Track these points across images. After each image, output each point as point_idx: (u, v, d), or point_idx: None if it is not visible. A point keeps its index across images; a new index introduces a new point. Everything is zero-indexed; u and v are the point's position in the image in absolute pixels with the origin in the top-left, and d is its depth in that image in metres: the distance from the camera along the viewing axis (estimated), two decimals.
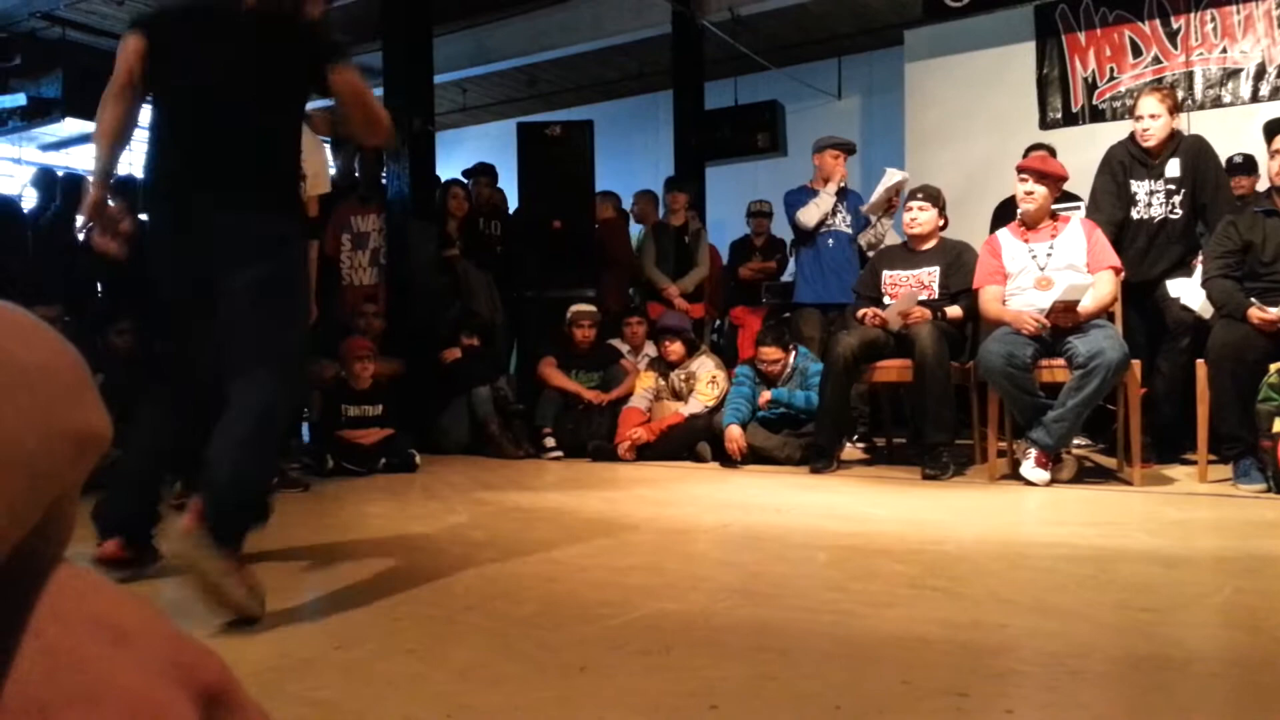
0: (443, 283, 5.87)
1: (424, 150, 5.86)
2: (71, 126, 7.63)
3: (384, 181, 5.84)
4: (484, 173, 6.61)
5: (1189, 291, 4.12)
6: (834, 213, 5.40)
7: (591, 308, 5.58)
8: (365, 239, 5.68)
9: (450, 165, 7.88)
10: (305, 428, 4.93)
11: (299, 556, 2.62)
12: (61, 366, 0.34)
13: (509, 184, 6.75)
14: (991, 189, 5.71)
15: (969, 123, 6.89)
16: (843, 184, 5.43)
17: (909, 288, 4.32)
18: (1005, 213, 4.94)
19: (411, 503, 3.66)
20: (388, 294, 5.61)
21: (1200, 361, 3.71)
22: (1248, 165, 5.16)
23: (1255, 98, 6.02)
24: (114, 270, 5.78)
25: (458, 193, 6.11)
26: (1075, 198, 4.76)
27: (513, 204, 6.79)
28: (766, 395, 4.66)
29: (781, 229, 6.36)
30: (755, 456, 4.58)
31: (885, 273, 4.48)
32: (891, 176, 5.31)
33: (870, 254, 5.31)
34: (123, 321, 4.87)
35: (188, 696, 0.31)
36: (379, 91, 6.50)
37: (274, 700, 1.32)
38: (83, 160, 8.96)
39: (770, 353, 4.70)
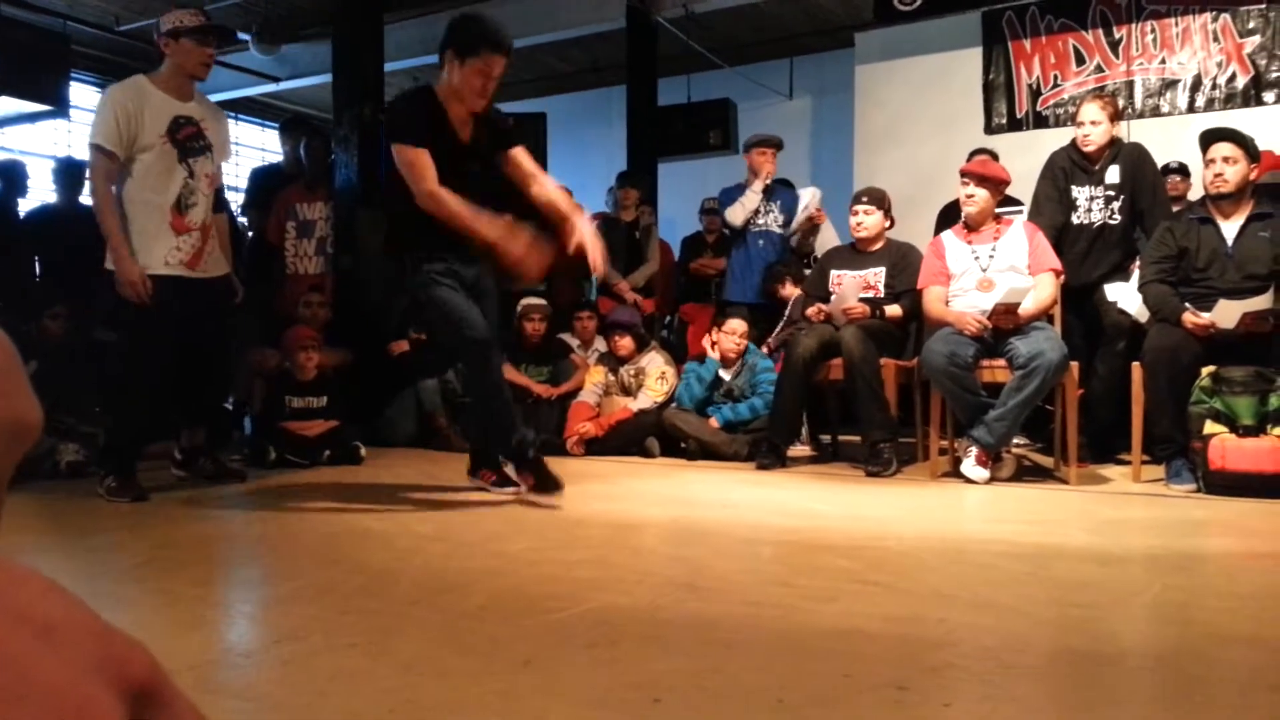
0: (390, 273, 5.79)
1: (373, 138, 5.78)
2: (7, 105, 7.38)
3: (331, 169, 5.76)
4: None
5: (1126, 295, 4.24)
6: (764, 212, 5.44)
7: (541, 301, 5.56)
8: (311, 227, 5.59)
9: None
10: (247, 419, 4.84)
11: (238, 549, 2.57)
12: None
13: None
14: (937, 191, 5.80)
15: (916, 125, 6.99)
16: (768, 180, 5.46)
17: (854, 281, 4.38)
18: (950, 215, 5.03)
19: (356, 496, 3.61)
20: (334, 284, 5.53)
21: (1136, 364, 3.81)
22: (1182, 170, 5.33)
23: (1192, 108, 6.20)
24: (52, 254, 5.64)
25: None
26: (1017, 202, 4.86)
27: None
28: (714, 422, 4.69)
29: None
30: (703, 452, 4.60)
31: (833, 272, 4.54)
32: (803, 196, 5.43)
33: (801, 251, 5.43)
34: (57, 306, 4.74)
35: (115, 692, 0.31)
36: (327, 78, 6.41)
37: (210, 695, 1.30)
38: (18, 141, 8.69)
39: (738, 325, 4.74)
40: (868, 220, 4.46)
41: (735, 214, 5.40)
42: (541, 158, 6.56)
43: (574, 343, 5.66)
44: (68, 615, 0.31)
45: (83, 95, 9.35)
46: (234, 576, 2.19)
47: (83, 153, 4.63)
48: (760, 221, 5.43)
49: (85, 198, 6.18)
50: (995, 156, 5.15)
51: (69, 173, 5.73)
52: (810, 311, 4.43)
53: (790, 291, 5.19)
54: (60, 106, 7.57)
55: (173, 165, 3.49)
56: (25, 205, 5.98)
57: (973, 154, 5.30)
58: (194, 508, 3.27)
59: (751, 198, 5.37)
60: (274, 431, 4.47)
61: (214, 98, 9.53)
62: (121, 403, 3.66)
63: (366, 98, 5.76)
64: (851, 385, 4.08)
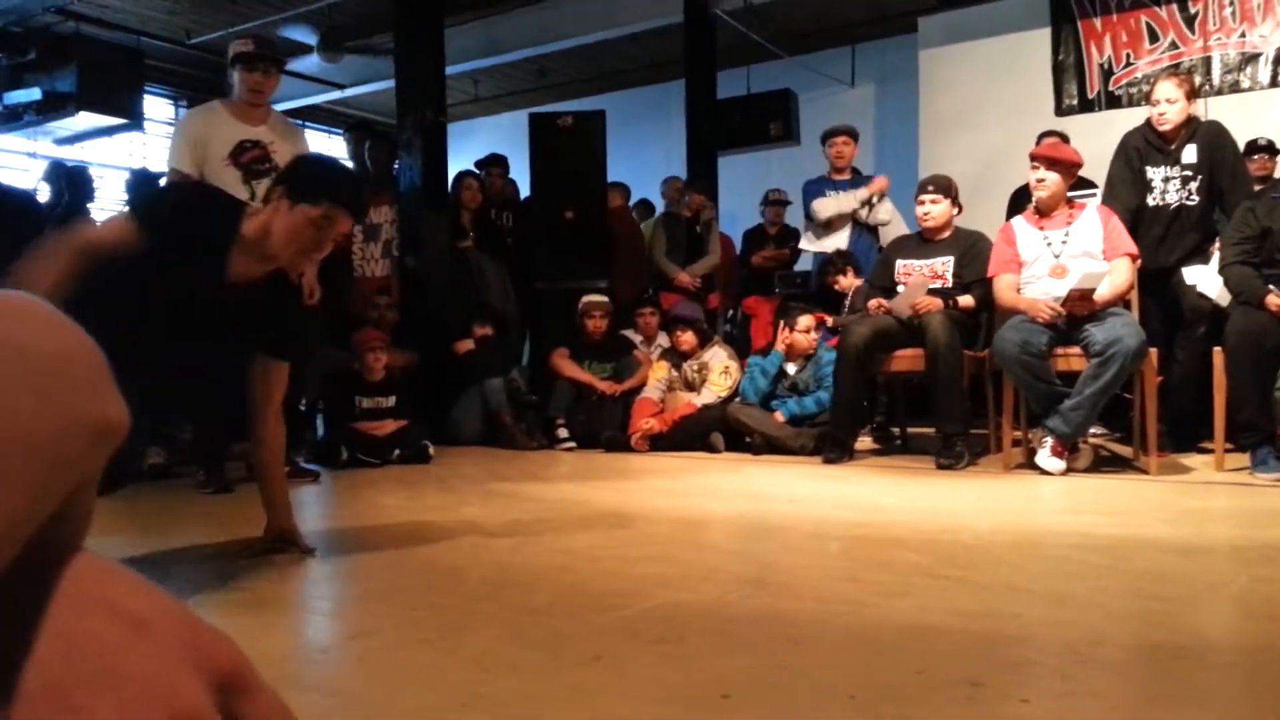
0: (456, 274, 5.88)
1: (436, 142, 5.86)
2: (85, 120, 7.66)
3: (395, 173, 5.86)
4: (496, 163, 6.62)
5: (1206, 279, 4.09)
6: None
7: (603, 298, 5.59)
8: (377, 230, 5.69)
9: (462, 156, 7.88)
10: (319, 420, 4.95)
11: (314, 547, 2.63)
12: (80, 356, 0.34)
13: (521, 175, 6.76)
14: (1007, 176, 5.68)
15: (983, 110, 6.84)
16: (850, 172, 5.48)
17: (919, 276, 4.31)
18: (1021, 200, 4.92)
19: (425, 494, 3.67)
20: (400, 285, 5.62)
21: (1217, 349, 3.68)
22: (1270, 147, 5.13)
23: (1275, 82, 5.96)
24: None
25: (471, 184, 6.11)
26: (1091, 184, 4.73)
27: (525, 195, 6.79)
28: (779, 416, 4.66)
29: (796, 219, 6.35)
30: (769, 446, 4.57)
31: (899, 262, 4.46)
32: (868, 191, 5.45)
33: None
34: None
35: (204, 681, 0.32)
36: (390, 84, 6.51)
37: (291, 690, 1.33)
38: (96, 154, 9.00)
39: (810, 322, 4.73)
40: (934, 209, 4.37)
41: (826, 207, 5.41)
42: (600, 155, 6.59)
43: (637, 339, 5.68)
44: (158, 609, 0.33)
45: (156, 108, 9.67)
46: (309, 574, 2.24)
47: (156, 164, 4.78)
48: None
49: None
50: (1066, 139, 5.01)
51: (143, 183, 5.92)
52: (870, 305, 4.37)
53: (849, 283, 5.14)
54: (135, 119, 7.84)
55: (236, 187, 3.61)
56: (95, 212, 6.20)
57: (1042, 136, 5.18)
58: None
59: (847, 199, 5.42)
60: (345, 432, 4.56)
61: (279, 107, 9.80)
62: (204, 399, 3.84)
63: (428, 102, 5.84)
64: (933, 374, 4.00)
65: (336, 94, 9.82)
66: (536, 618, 1.79)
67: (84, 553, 0.35)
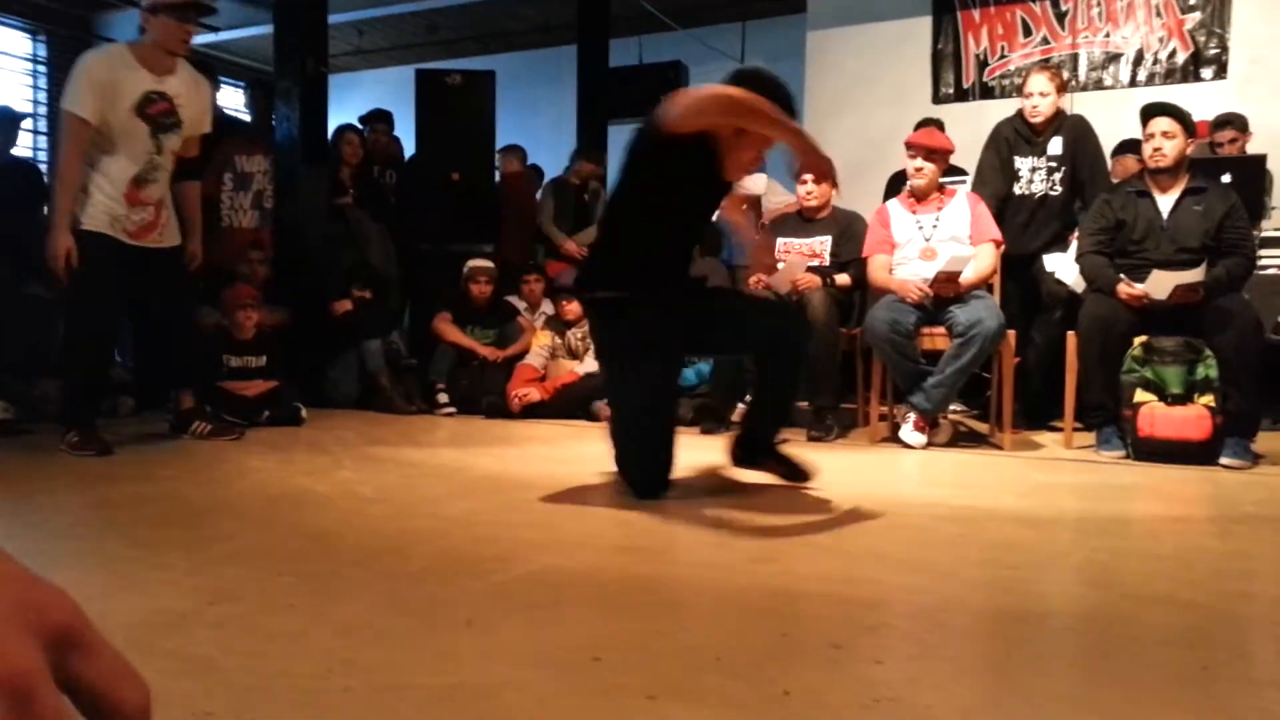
0: (334, 232, 5.70)
1: (316, 93, 5.64)
2: None
3: (273, 123, 5.62)
4: (381, 119, 6.43)
5: (1063, 266, 4.32)
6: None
7: (489, 263, 5.52)
8: (249, 180, 5.47)
9: (344, 110, 7.62)
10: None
11: (175, 510, 2.53)
12: None
13: (406, 133, 6.58)
14: (887, 159, 5.85)
15: (867, 93, 7.02)
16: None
17: (798, 254, 4.41)
18: (898, 183, 5.07)
19: (296, 457, 3.57)
20: (275, 241, 5.42)
21: (1071, 333, 3.90)
22: (1132, 147, 5.41)
23: (1134, 82, 6.31)
24: None
25: (352, 139, 5.92)
26: (961, 171, 4.91)
27: (409, 154, 6.62)
28: None
29: None
30: None
31: (780, 240, 4.56)
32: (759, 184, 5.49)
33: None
34: None
35: (35, 639, 0.30)
36: (268, 29, 6.22)
37: (144, 656, 1.28)
38: None
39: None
40: (816, 190, 4.48)
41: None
42: (490, 117, 6.47)
43: (521, 305, 5.63)
44: None
45: (12, 41, 8.99)
46: (170, 538, 2.15)
47: (13, 101, 4.41)
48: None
49: (18, 150, 5.96)
50: (942, 126, 5.19)
51: (3, 122, 5.51)
52: (751, 281, 4.45)
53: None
54: None
55: (141, 139, 3.49)
56: None
57: (919, 124, 5.35)
58: (130, 468, 3.21)
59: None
60: (211, 391, 4.38)
61: None
62: (68, 358, 3.67)
63: (309, 51, 5.61)
64: (811, 349, 4.10)
65: (211, 37, 9.32)
66: (409, 583, 1.77)
67: None
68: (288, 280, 5.31)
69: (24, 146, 8.04)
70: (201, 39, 9.34)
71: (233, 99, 8.47)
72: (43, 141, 8.84)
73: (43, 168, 6.82)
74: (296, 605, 1.60)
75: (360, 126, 6.22)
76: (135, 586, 1.72)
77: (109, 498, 2.68)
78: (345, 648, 1.38)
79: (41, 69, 9.20)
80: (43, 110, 9.04)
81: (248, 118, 6.15)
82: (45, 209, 5.42)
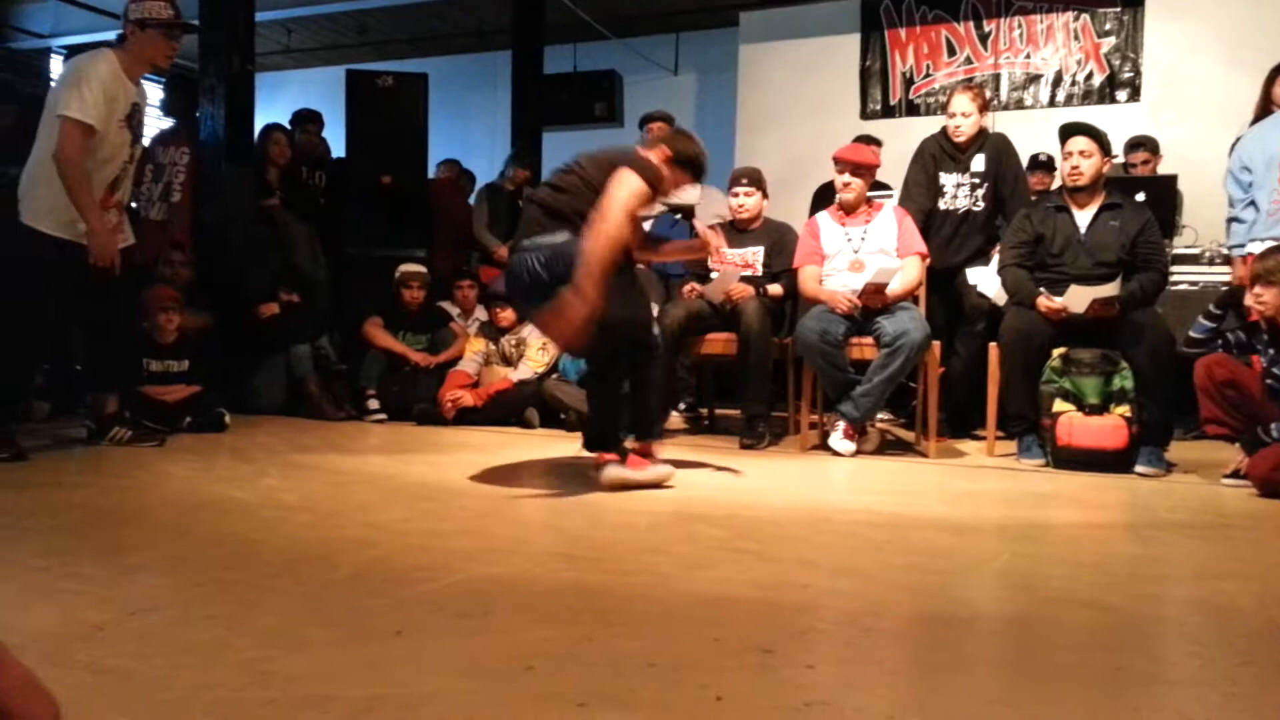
0: (260, 234, 5.57)
1: (242, 91, 5.51)
2: None
3: (195, 120, 5.48)
4: (310, 120, 6.32)
5: (986, 279, 4.44)
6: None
7: (421, 268, 5.45)
8: (162, 171, 5.35)
9: (271, 110, 7.46)
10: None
11: (91, 518, 2.44)
12: None
13: (335, 134, 6.47)
14: (813, 172, 5.93)
15: (796, 107, 7.13)
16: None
17: (732, 265, 4.45)
18: (825, 196, 5.15)
19: (218, 464, 3.47)
20: (196, 242, 5.27)
21: (993, 345, 4.00)
22: (1049, 164, 5.59)
23: (1053, 102, 6.53)
24: None
25: (280, 139, 5.80)
26: (886, 187, 5.01)
27: (338, 155, 6.51)
28: None
29: None
30: (582, 423, 4.60)
31: None
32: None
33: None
34: None
35: None
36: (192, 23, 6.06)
37: (58, 669, 1.23)
38: None
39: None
40: (748, 201, 4.52)
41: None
42: (421, 120, 6.40)
43: (454, 311, 5.57)
44: None
45: None
46: (85, 546, 2.07)
47: None
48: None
49: None
50: (879, 143, 5.27)
51: None
52: (685, 290, 4.48)
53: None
54: None
55: (123, 147, 3.54)
56: None
57: (859, 140, 5.44)
58: (44, 474, 3.09)
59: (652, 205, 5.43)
60: (131, 396, 4.23)
61: (69, 40, 8.90)
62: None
63: (235, 48, 5.48)
64: (744, 358, 4.15)
65: None
66: (335, 592, 1.74)
67: None
68: (211, 282, 5.17)
69: None
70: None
71: (153, 95, 8.21)
72: None
73: None
74: (217, 615, 1.56)
75: (288, 127, 6.09)
76: (49, 597, 1.66)
77: (22, 505, 2.57)
78: (266, 659, 1.35)
79: None
80: None
81: (168, 118, 5.99)
82: None
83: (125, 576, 1.82)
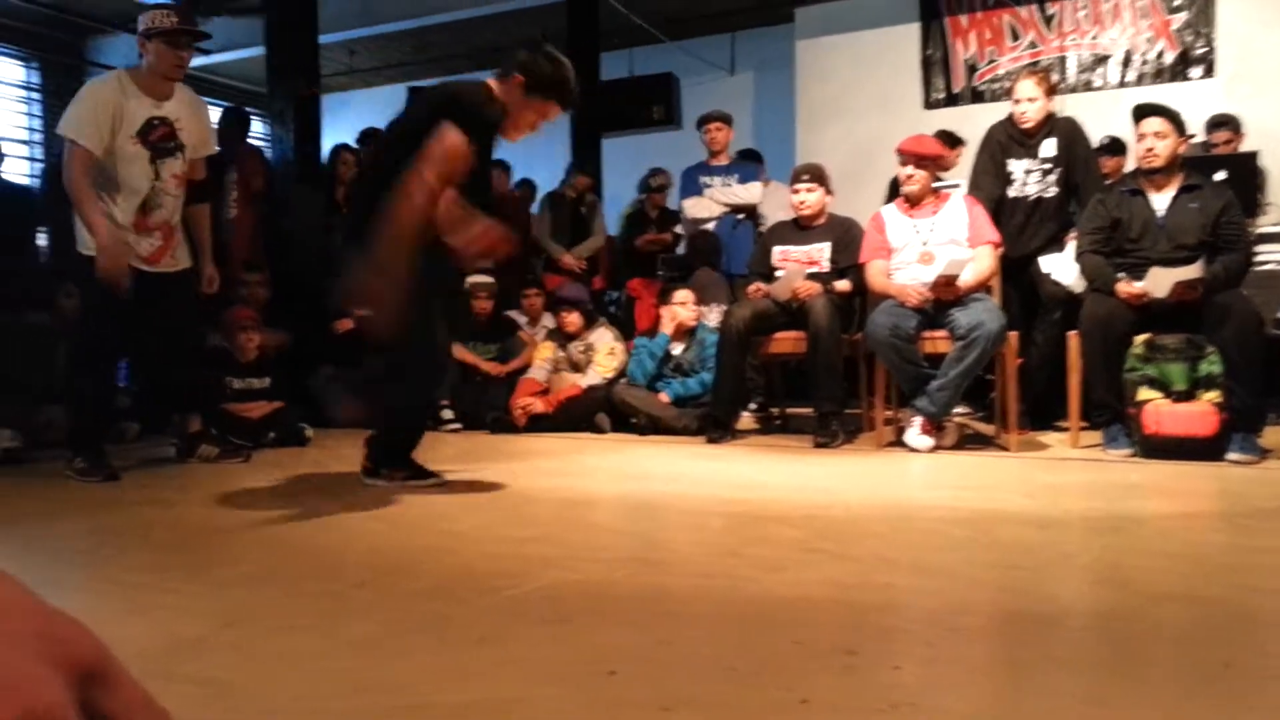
0: (331, 251, 5.69)
1: (309, 113, 5.66)
2: None
3: (246, 149, 5.64)
4: (376, 138, 6.43)
5: (1061, 267, 4.33)
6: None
7: (489, 279, 5.52)
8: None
9: (336, 129, 7.64)
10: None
11: (182, 534, 2.53)
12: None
13: None
14: (877, 166, 5.87)
15: (857, 100, 7.05)
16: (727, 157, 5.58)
17: (796, 263, 4.42)
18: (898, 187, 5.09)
19: (302, 477, 3.56)
20: (271, 262, 5.42)
21: (1072, 333, 3.90)
22: (1114, 147, 5.43)
23: (1122, 83, 6.34)
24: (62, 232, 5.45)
25: (348, 158, 5.92)
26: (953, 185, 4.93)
27: None
28: (664, 397, 4.72)
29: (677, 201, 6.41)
30: (653, 427, 4.62)
31: (776, 249, 4.56)
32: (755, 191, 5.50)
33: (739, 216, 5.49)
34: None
35: (61, 675, 0.30)
36: (260, 51, 6.23)
37: (161, 681, 1.28)
38: None
39: (687, 295, 4.78)
40: (810, 197, 4.49)
41: (697, 208, 5.46)
42: None
43: (522, 320, 5.63)
44: (8, 598, 0.31)
45: (6, 69, 9.01)
46: (178, 562, 2.15)
47: (6, 129, 4.38)
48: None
49: (11, 175, 5.97)
50: (962, 142, 5.20)
51: None
52: (749, 290, 4.47)
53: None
54: None
55: (144, 167, 3.49)
56: None
57: (939, 134, 5.40)
58: (137, 493, 3.20)
59: (716, 208, 5.45)
60: (215, 414, 4.37)
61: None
62: (76, 384, 3.67)
63: (300, 71, 5.63)
64: (813, 356, 4.12)
65: (202, 60, 9.35)
66: (420, 601, 1.77)
67: None
68: (287, 301, 5.32)
69: (18, 174, 8.05)
70: (192, 61, 9.38)
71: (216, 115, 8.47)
72: (38, 169, 8.84)
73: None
74: (308, 626, 1.60)
75: (355, 146, 6.23)
76: (147, 612, 1.72)
77: (117, 524, 2.68)
78: (360, 668, 1.38)
79: (36, 96, 9.21)
80: (38, 137, 9.04)
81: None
82: (43, 235, 5.43)
83: (218, 590, 1.87)
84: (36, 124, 9.12)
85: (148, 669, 1.34)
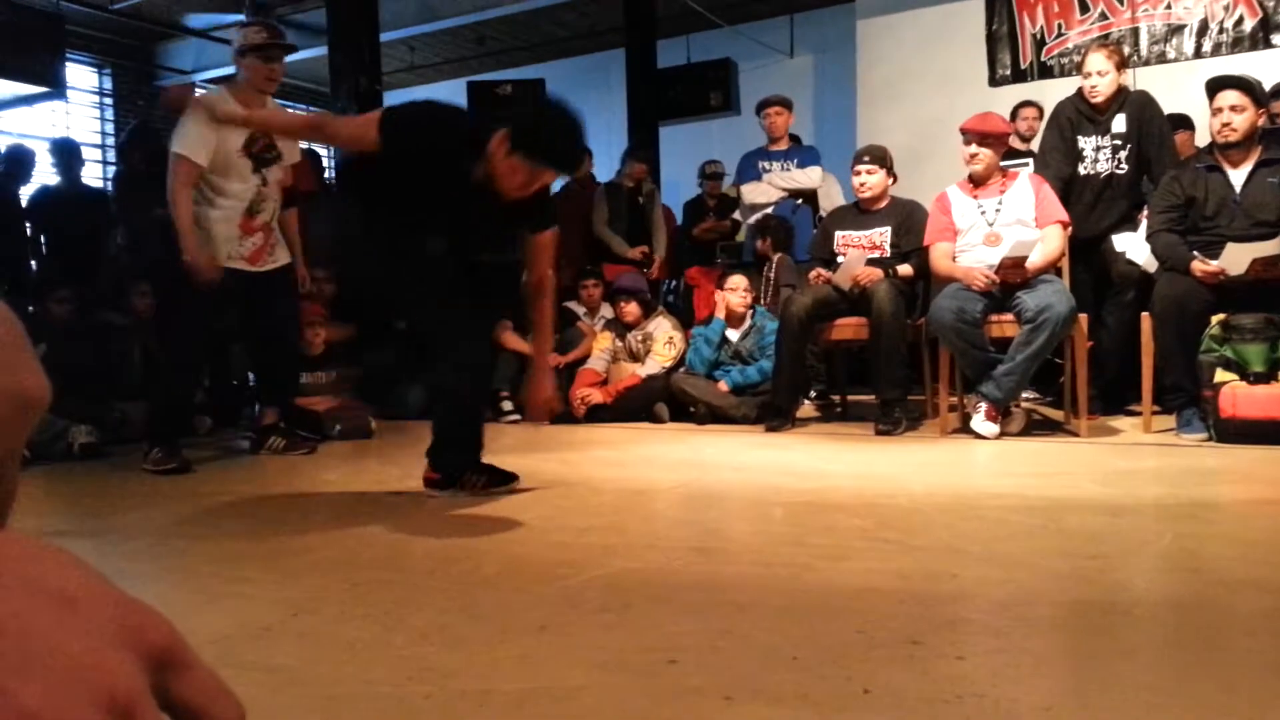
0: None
1: (371, 110, 5.74)
2: (4, 89, 7.35)
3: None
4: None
5: (1134, 246, 4.20)
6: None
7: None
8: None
9: None
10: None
11: (251, 524, 2.59)
12: None
13: None
14: (942, 146, 5.74)
15: (921, 80, 6.91)
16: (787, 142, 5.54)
17: (857, 248, 4.36)
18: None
19: (367, 469, 3.63)
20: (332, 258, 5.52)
21: (1145, 314, 3.79)
22: (1183, 123, 5.24)
23: (1198, 53, 6.11)
24: (54, 237, 5.65)
25: None
26: (1020, 155, 4.81)
27: None
28: (723, 386, 4.70)
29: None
30: (712, 416, 4.61)
31: (838, 234, 4.51)
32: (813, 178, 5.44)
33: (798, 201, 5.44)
34: (62, 290, 4.75)
35: (137, 659, 0.31)
36: (322, 50, 6.34)
37: (230, 668, 1.31)
38: (16, 123, 8.65)
39: (740, 281, 4.76)
40: (870, 180, 4.42)
41: (755, 193, 5.44)
42: None
43: (580, 310, 5.66)
44: (86, 586, 0.32)
45: (80, 76, 9.30)
46: (249, 552, 2.21)
47: (80, 133, 4.54)
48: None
49: (86, 179, 6.17)
50: (1040, 111, 5.13)
51: (66, 153, 5.72)
52: (810, 276, 4.42)
53: (765, 248, 5.25)
54: (57, 88, 7.54)
55: (247, 176, 3.72)
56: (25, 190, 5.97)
57: (1018, 107, 5.31)
58: (209, 485, 3.30)
59: (772, 191, 5.42)
60: (285, 406, 4.48)
61: (211, 74, 9.43)
62: (164, 378, 3.91)
63: (362, 69, 5.72)
64: (876, 343, 4.07)
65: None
66: (483, 590, 1.79)
67: (6, 530, 0.34)
68: (356, 295, 5.41)
69: (92, 177, 8.32)
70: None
71: None
72: (110, 172, 9.14)
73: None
74: (374, 614, 1.63)
75: None
76: (218, 600, 1.77)
77: (190, 515, 2.76)
78: (424, 655, 1.40)
79: (108, 101, 9.51)
80: (110, 141, 9.33)
81: None
82: (116, 237, 5.61)
83: (287, 579, 1.92)
84: (109, 129, 9.42)
85: (219, 656, 1.38)
